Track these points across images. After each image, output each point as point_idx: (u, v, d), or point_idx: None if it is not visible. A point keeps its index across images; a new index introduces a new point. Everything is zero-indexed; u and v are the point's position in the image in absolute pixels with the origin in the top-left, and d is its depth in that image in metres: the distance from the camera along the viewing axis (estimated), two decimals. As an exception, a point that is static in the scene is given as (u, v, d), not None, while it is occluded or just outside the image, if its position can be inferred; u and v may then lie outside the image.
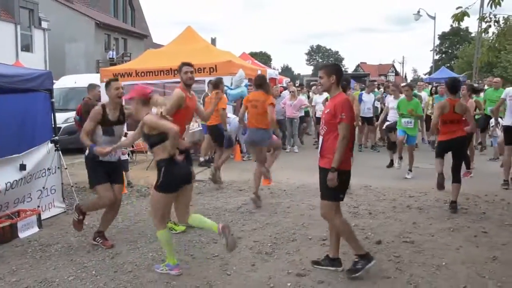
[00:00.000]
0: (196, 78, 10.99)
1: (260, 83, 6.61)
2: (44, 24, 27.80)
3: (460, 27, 34.52)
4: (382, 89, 14.82)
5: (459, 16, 6.40)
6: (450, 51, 61.65)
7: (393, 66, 72.47)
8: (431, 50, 41.47)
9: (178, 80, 11.37)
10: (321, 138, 4.25)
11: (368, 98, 11.96)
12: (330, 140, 4.08)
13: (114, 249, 4.98)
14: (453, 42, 61.22)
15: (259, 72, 13.42)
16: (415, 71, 76.78)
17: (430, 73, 40.94)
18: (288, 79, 21.17)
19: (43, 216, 5.98)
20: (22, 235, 5.45)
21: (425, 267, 4.33)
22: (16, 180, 5.74)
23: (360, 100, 11.71)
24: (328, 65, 4.33)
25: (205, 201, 7.04)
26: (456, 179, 6.16)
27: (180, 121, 4.85)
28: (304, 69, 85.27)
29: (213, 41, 39.92)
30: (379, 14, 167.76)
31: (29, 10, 26.74)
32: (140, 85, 4.86)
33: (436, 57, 48.46)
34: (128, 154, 9.38)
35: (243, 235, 5.36)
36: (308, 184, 7.90)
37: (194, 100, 5.66)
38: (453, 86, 6.34)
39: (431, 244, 4.91)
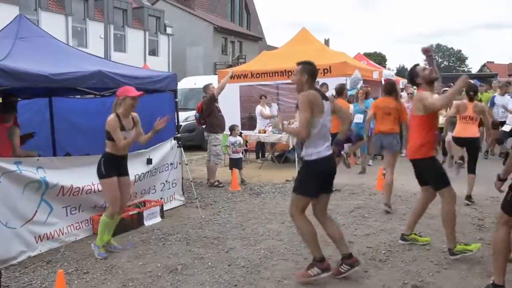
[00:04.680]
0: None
1: (390, 89, 6.76)
2: (169, 30, 30.12)
3: None
4: None
5: None
6: None
7: (527, 65, 64.92)
8: None
9: (291, 81, 11.70)
10: None
11: (503, 101, 10.95)
12: None
13: (228, 243, 5.17)
14: None
15: (375, 74, 13.01)
16: (553, 70, 67.27)
17: None
18: (405, 80, 20.19)
19: (165, 208, 6.44)
20: (147, 223, 5.93)
21: None
22: (143, 173, 6.26)
23: (492, 103, 10.96)
24: None
25: (316, 202, 7.00)
26: None
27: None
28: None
29: (326, 42, 39.60)
30: (507, 7, 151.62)
31: (156, 18, 29.20)
32: None
33: None
34: (242, 153, 9.69)
35: (356, 240, 5.22)
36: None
37: None
38: None
39: None
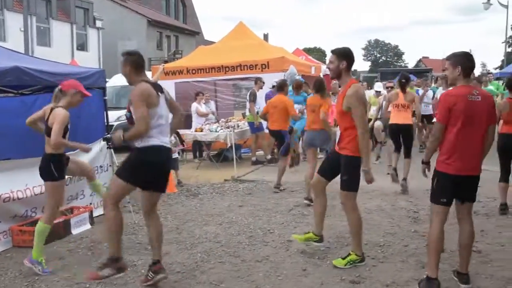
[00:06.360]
0: (247, 75, 11.09)
1: (317, 88, 6.71)
2: (98, 23, 28.79)
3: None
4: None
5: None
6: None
7: (459, 60, 68.17)
8: (502, 42, 37.98)
9: (229, 77, 11.51)
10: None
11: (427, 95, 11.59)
12: None
13: (163, 248, 4.88)
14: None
15: (312, 68, 13.15)
16: (484, 65, 69.92)
17: (501, 67, 37.72)
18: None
19: (94, 213, 6.08)
20: (75, 231, 5.55)
21: (493, 280, 3.97)
22: (69, 178, 5.81)
23: None
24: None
25: (255, 202, 6.93)
26: None
27: None
28: (361, 65, 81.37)
29: (266, 37, 39.70)
30: (442, 4, 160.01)
31: (84, 10, 27.76)
32: None
33: (509, 49, 43.69)
34: (178, 153, 9.41)
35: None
36: (365, 187, 7.57)
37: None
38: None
39: (501, 255, 4.53)
